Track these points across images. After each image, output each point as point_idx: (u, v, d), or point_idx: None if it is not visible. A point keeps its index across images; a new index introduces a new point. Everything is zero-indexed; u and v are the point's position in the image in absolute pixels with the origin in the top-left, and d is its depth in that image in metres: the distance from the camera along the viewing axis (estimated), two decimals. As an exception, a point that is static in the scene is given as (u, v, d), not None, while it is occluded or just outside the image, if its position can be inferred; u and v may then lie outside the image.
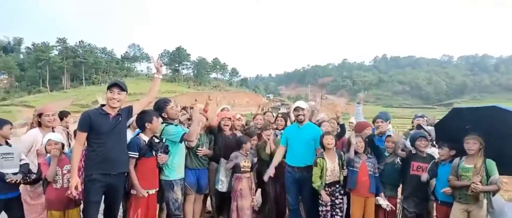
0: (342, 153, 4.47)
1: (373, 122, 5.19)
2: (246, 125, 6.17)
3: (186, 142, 4.30)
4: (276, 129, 5.39)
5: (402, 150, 4.43)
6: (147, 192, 3.79)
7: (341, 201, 4.37)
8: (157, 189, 4.02)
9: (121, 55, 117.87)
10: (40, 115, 4.22)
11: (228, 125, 5.00)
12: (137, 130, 4.13)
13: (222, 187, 4.69)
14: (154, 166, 3.92)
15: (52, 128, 4.31)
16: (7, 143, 3.78)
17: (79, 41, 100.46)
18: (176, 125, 4.28)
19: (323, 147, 4.35)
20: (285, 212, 5.17)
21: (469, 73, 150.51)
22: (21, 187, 3.90)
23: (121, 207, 4.00)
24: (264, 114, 6.14)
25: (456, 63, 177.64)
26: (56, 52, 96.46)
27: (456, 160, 3.79)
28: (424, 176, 4.05)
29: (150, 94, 3.96)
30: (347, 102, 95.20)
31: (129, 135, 3.96)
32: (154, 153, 3.89)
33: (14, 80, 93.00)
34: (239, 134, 5.21)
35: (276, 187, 5.00)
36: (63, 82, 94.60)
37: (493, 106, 3.72)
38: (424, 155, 4.27)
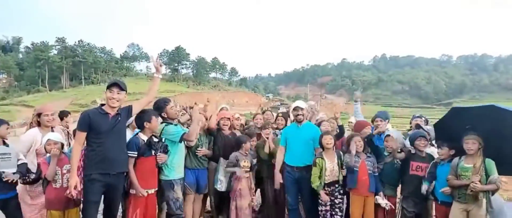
0: (341, 152, 4.47)
1: (372, 121, 5.19)
2: (245, 124, 6.18)
3: (185, 142, 4.30)
4: (277, 128, 5.39)
5: (401, 150, 4.44)
6: (147, 191, 3.79)
7: (341, 200, 4.37)
8: (156, 189, 4.01)
9: (120, 55, 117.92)
10: (39, 115, 4.22)
11: (227, 125, 5.00)
12: (136, 129, 4.13)
13: (221, 186, 4.69)
14: (153, 166, 3.92)
15: (51, 127, 4.30)
16: (4, 143, 3.78)
17: (78, 41, 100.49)
18: (175, 125, 4.28)
19: (322, 146, 4.35)
20: (284, 212, 5.17)
21: (468, 73, 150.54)
22: (21, 187, 3.90)
23: (120, 207, 4.00)
24: (263, 113, 6.14)
25: (455, 63, 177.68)
26: (55, 52, 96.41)
27: (456, 159, 3.80)
28: (424, 188, 4.05)
29: (149, 94, 3.96)
30: (346, 102, 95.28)
31: (129, 134, 3.96)
32: (153, 152, 3.89)
33: (13, 80, 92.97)
34: (238, 133, 5.22)
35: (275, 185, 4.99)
36: (62, 81, 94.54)
37: (492, 106, 3.73)
38: (423, 155, 4.27)
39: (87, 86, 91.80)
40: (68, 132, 5.13)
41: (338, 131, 5.32)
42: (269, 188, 5.01)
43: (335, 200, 4.34)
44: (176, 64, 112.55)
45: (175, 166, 4.19)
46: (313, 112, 5.40)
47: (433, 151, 4.42)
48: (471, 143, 3.62)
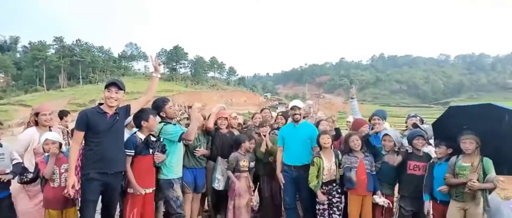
0: (338, 152, 4.48)
1: (370, 120, 5.20)
2: (243, 123, 6.18)
3: (184, 141, 4.30)
4: (277, 128, 5.38)
5: (399, 149, 4.45)
6: (145, 191, 3.79)
7: (338, 199, 4.38)
8: (154, 188, 4.02)
9: (119, 54, 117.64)
10: (37, 114, 4.22)
11: (224, 124, 5.00)
12: (134, 129, 4.13)
13: (218, 185, 4.69)
14: (151, 165, 3.92)
15: (49, 127, 4.30)
16: None
17: (76, 40, 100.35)
18: (174, 124, 4.28)
19: (319, 146, 4.36)
20: (281, 211, 5.19)
21: (466, 72, 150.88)
22: (17, 186, 3.90)
23: (118, 206, 3.99)
24: (262, 111, 6.15)
25: (453, 62, 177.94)
26: (53, 51, 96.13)
27: (453, 158, 3.81)
28: (426, 208, 4.07)
29: (148, 93, 3.96)
30: (344, 101, 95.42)
31: (127, 134, 3.96)
32: (150, 151, 3.89)
33: (10, 79, 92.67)
34: (236, 132, 5.23)
35: (272, 185, 5.01)
36: (60, 81, 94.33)
37: (489, 104, 3.74)
38: (420, 154, 4.28)
39: (85, 85, 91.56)
40: (67, 131, 5.13)
41: (334, 133, 5.32)
42: (266, 187, 5.02)
43: (333, 199, 4.34)
44: (174, 64, 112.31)
45: (174, 165, 4.20)
46: (310, 111, 5.41)
47: (431, 150, 4.43)
48: (468, 143, 3.63)
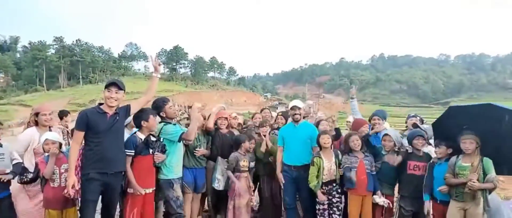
0: (338, 152, 4.48)
1: (370, 120, 5.20)
2: (243, 123, 6.19)
3: (184, 141, 4.30)
4: (278, 128, 5.38)
5: (399, 149, 4.45)
6: (145, 191, 3.79)
7: (338, 199, 4.38)
8: (154, 188, 4.01)
9: (119, 54, 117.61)
10: (37, 114, 4.22)
11: (224, 124, 5.00)
12: (134, 129, 4.13)
13: (218, 185, 4.69)
14: (151, 165, 3.92)
15: (49, 127, 4.30)
16: None
17: (76, 40, 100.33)
18: (174, 124, 4.28)
19: (320, 146, 4.36)
20: (280, 211, 5.19)
21: (466, 72, 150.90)
22: (18, 186, 3.90)
23: (118, 206, 3.99)
24: (262, 111, 6.15)
25: (453, 62, 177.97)
26: (53, 51, 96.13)
27: (453, 158, 3.81)
28: (427, 208, 4.07)
29: (148, 93, 3.96)
30: (344, 101, 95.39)
31: (127, 134, 3.96)
32: (150, 151, 3.89)
33: (10, 79, 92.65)
34: (236, 132, 5.23)
35: (272, 185, 5.01)
36: (60, 81, 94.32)
37: (489, 104, 3.75)
38: (420, 154, 4.28)
39: (85, 85, 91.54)
40: (67, 131, 5.13)
41: (334, 133, 5.32)
42: (266, 187, 5.03)
43: (333, 199, 4.35)
44: (174, 64, 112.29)
45: (174, 165, 4.20)
46: (310, 111, 5.41)
47: (431, 150, 4.43)
48: (468, 143, 3.63)
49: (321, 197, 4.27)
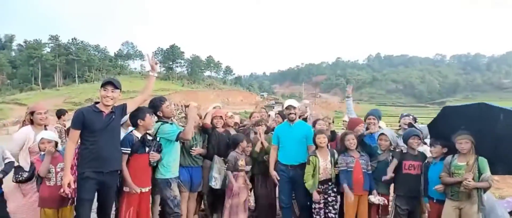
0: (334, 151, 4.50)
1: (365, 119, 5.21)
2: (240, 123, 6.19)
3: (181, 140, 4.30)
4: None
5: (394, 148, 4.47)
6: (141, 190, 3.79)
7: (334, 198, 4.40)
8: (150, 188, 4.01)
9: (115, 53, 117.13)
10: (32, 113, 4.20)
11: (220, 123, 5.00)
12: (130, 128, 4.12)
13: (215, 184, 4.69)
14: (147, 164, 3.91)
15: (45, 126, 4.28)
16: None
17: (72, 39, 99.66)
18: (171, 124, 4.27)
19: (316, 145, 4.38)
20: (275, 209, 5.20)
21: (462, 72, 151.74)
22: (13, 185, 3.88)
23: (114, 205, 3.98)
24: (256, 108, 6.16)
25: (448, 62, 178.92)
26: (49, 50, 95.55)
27: (449, 157, 3.84)
28: (427, 208, 4.10)
29: (144, 92, 3.96)
30: (341, 100, 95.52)
31: (123, 133, 3.95)
32: (146, 149, 3.88)
33: (5, 78, 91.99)
34: (232, 131, 5.23)
35: (266, 184, 5.01)
36: (55, 80, 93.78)
37: (482, 104, 3.79)
38: (415, 153, 4.31)
39: (81, 84, 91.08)
40: (65, 130, 5.12)
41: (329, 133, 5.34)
42: (260, 186, 5.03)
43: (329, 198, 4.36)
44: (171, 63, 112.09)
45: (171, 165, 4.19)
46: (307, 111, 5.43)
47: (426, 149, 4.46)
48: (464, 143, 3.66)
49: (316, 197, 4.29)
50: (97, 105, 3.49)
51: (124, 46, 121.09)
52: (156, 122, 4.19)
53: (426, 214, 4.26)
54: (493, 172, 3.63)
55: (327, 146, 4.47)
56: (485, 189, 3.61)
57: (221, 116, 5.04)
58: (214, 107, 5.28)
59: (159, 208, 4.45)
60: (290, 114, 4.59)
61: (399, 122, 5.38)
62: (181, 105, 5.08)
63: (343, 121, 6.48)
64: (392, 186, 4.57)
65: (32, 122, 4.22)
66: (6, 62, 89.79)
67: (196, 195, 4.86)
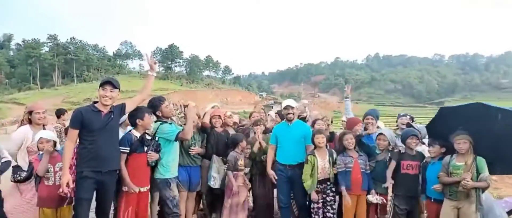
0: (333, 150, 4.51)
1: (363, 119, 5.23)
2: (239, 122, 6.19)
3: (180, 140, 4.29)
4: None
5: (392, 148, 4.48)
6: (140, 189, 3.79)
7: (332, 198, 4.41)
8: (149, 187, 4.01)
9: (113, 53, 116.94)
10: (30, 112, 4.20)
11: (219, 123, 5.00)
12: (128, 127, 4.12)
13: (214, 183, 4.69)
14: (145, 163, 3.91)
15: (43, 125, 4.28)
16: None
17: (71, 38, 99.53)
18: (170, 123, 4.27)
19: (314, 145, 4.38)
20: (273, 209, 5.20)
21: (460, 72, 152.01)
22: (11, 184, 3.88)
23: (112, 205, 3.98)
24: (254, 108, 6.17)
25: (447, 62, 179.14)
26: (47, 49, 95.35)
27: (447, 157, 3.85)
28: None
29: (143, 92, 3.95)
30: (339, 100, 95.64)
31: (121, 133, 3.95)
32: (145, 149, 3.88)
33: (4, 77, 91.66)
34: (231, 130, 5.23)
35: (264, 184, 5.01)
36: (54, 79, 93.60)
37: (479, 103, 3.81)
38: (413, 153, 4.32)
39: (79, 84, 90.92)
40: (65, 130, 5.11)
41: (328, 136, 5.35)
42: (258, 185, 5.03)
43: (327, 198, 4.37)
44: (170, 62, 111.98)
45: (171, 165, 4.19)
46: (305, 111, 5.43)
47: (424, 149, 4.48)
48: (462, 143, 3.67)
49: (314, 197, 4.30)
50: (95, 105, 3.49)
51: (123, 46, 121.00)
52: (155, 121, 4.19)
53: (425, 214, 4.27)
54: (491, 172, 3.64)
55: (326, 146, 4.47)
56: (484, 189, 3.62)
57: (219, 115, 5.04)
58: (212, 107, 5.28)
59: (158, 208, 4.45)
60: (288, 113, 4.60)
61: (396, 121, 5.39)
62: (180, 105, 5.08)
63: (342, 121, 6.49)
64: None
65: (30, 122, 4.21)
66: (4, 62, 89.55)
67: (194, 194, 4.86)
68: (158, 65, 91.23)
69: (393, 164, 4.31)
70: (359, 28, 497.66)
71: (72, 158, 3.42)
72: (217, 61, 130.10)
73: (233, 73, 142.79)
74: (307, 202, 4.57)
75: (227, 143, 4.88)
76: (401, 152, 4.39)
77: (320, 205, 4.35)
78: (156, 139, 4.07)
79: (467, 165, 3.61)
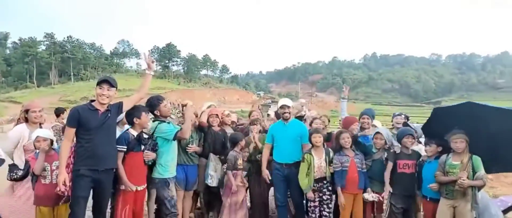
0: (330, 150, 4.52)
1: (359, 118, 5.24)
2: (236, 121, 6.19)
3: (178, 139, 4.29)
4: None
5: (389, 147, 4.50)
6: (136, 188, 3.79)
7: (329, 197, 4.42)
8: (146, 186, 4.01)
9: (110, 51, 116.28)
10: (27, 111, 4.18)
11: (216, 121, 5.00)
12: (126, 126, 4.11)
13: (211, 181, 4.69)
14: (143, 162, 3.91)
15: (40, 124, 4.27)
16: None
17: (67, 37, 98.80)
18: (168, 123, 4.26)
19: (311, 144, 4.39)
20: (268, 208, 5.20)
21: (457, 72, 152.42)
22: (8, 183, 3.86)
23: (109, 203, 3.98)
24: (252, 107, 6.19)
25: (444, 62, 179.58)
26: (44, 48, 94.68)
27: (443, 156, 3.87)
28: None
29: (141, 91, 3.95)
30: (337, 100, 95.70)
31: (118, 132, 3.94)
32: (142, 147, 3.88)
33: (0, 75, 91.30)
34: (228, 129, 5.23)
35: (260, 183, 5.02)
36: (50, 78, 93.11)
37: (468, 103, 3.85)
38: (409, 152, 4.34)
39: (76, 82, 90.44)
40: (63, 128, 5.09)
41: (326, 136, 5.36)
42: (254, 184, 5.04)
43: (324, 197, 4.38)
44: (167, 61, 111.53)
45: (169, 164, 4.19)
46: (303, 110, 5.44)
47: (421, 148, 4.50)
48: (459, 142, 3.69)
49: (310, 195, 4.31)
50: (92, 103, 3.49)
51: (120, 45, 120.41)
52: (153, 121, 4.18)
53: (421, 212, 4.29)
54: (487, 171, 3.66)
55: (323, 145, 4.48)
56: (480, 188, 3.64)
57: (217, 114, 5.04)
58: (208, 106, 5.29)
59: (155, 206, 4.44)
60: (284, 113, 4.61)
61: (392, 121, 5.41)
62: (179, 104, 5.09)
63: (340, 120, 6.52)
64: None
65: (27, 120, 4.20)
66: (0, 60, 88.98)
67: (191, 193, 4.86)
68: (156, 64, 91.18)
69: (390, 165, 4.32)
70: (357, 28, 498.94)
71: (69, 157, 3.41)
72: (215, 60, 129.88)
73: (230, 73, 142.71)
74: (304, 201, 4.59)
75: (224, 142, 4.88)
76: (396, 151, 4.41)
77: (316, 203, 4.36)
78: (154, 138, 4.06)
79: (463, 164, 3.63)
